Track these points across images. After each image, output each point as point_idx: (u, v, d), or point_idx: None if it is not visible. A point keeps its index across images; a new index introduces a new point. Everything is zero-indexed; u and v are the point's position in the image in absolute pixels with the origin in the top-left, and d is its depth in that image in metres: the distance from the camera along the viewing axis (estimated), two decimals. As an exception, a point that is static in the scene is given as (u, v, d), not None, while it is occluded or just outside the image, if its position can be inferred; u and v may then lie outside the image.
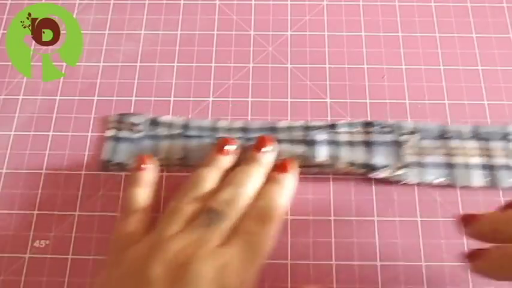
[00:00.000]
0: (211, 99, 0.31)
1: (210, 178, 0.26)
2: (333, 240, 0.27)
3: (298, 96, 0.31)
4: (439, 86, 0.31)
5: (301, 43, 0.33)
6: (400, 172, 0.28)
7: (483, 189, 0.28)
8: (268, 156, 0.27)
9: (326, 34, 0.33)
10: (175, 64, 0.32)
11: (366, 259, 0.27)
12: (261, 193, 0.25)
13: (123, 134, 0.30)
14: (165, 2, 0.34)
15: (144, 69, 0.32)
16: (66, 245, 0.27)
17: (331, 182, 0.29)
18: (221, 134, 0.30)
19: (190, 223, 0.24)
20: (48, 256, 0.27)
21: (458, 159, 0.28)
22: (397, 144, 0.29)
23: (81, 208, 0.28)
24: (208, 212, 0.24)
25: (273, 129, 0.30)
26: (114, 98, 0.31)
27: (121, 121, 0.30)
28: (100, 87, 0.32)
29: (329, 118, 0.30)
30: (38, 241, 0.28)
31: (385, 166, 0.28)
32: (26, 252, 0.27)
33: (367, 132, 0.29)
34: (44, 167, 0.29)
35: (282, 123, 0.30)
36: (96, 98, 0.31)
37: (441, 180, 0.28)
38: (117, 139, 0.30)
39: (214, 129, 0.30)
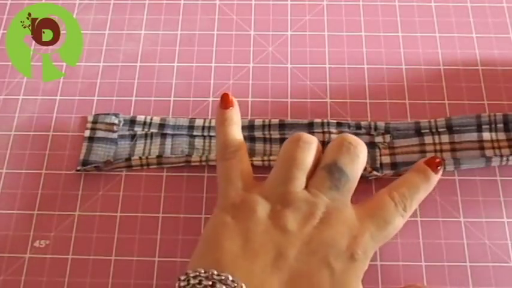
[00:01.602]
0: (211, 99, 0.31)
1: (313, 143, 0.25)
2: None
3: (298, 96, 0.31)
4: (439, 86, 0.31)
5: (301, 43, 0.33)
6: (376, 173, 0.28)
7: (483, 190, 0.28)
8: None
9: (326, 34, 0.33)
10: (175, 64, 0.32)
11: (366, 259, 0.27)
12: (404, 179, 0.24)
13: (100, 134, 0.30)
14: (165, 2, 0.34)
15: (144, 69, 0.32)
16: (66, 245, 0.27)
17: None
18: (198, 132, 0.30)
19: (311, 176, 0.24)
20: (48, 256, 0.27)
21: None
22: (371, 146, 0.29)
23: (81, 208, 0.28)
24: (331, 168, 0.23)
25: (250, 127, 0.30)
26: (114, 98, 0.31)
27: (98, 121, 0.30)
28: (100, 87, 0.32)
29: (329, 118, 0.30)
30: (38, 241, 0.28)
31: None
32: (26, 252, 0.27)
33: (341, 133, 0.29)
34: (44, 167, 0.29)
35: (258, 121, 0.30)
36: (96, 98, 0.31)
37: None
38: (93, 139, 0.30)
39: (191, 127, 0.30)
